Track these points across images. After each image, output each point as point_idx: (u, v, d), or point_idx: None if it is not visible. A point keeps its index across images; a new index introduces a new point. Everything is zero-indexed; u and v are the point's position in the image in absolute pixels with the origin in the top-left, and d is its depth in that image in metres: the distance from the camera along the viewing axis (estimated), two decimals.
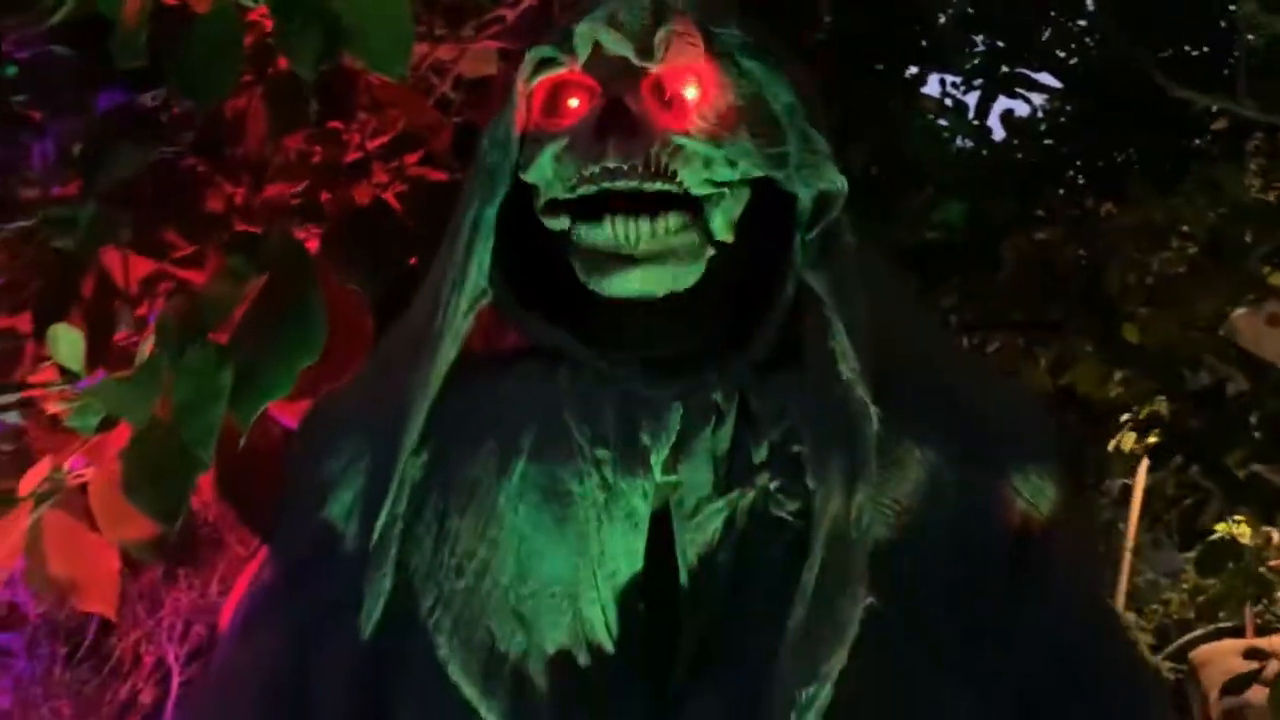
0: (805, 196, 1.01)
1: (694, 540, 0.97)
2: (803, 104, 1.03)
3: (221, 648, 1.21)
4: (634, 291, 0.99)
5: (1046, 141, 6.16)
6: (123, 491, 1.08)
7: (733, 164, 1.00)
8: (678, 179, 0.97)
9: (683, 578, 0.96)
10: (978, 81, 5.76)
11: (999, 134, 6.14)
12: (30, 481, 1.15)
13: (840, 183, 1.02)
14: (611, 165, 0.96)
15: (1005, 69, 5.58)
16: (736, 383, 1.00)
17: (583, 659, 0.94)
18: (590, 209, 0.99)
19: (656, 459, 0.97)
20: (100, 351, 1.26)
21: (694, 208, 0.99)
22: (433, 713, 0.96)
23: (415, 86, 1.71)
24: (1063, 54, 5.78)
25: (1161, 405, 5.57)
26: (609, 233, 0.97)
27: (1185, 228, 5.38)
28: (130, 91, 1.54)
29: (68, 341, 1.15)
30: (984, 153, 6.14)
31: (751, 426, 0.99)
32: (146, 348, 1.24)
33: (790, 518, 0.96)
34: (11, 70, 1.61)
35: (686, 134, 0.98)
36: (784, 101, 1.02)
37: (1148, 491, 6.32)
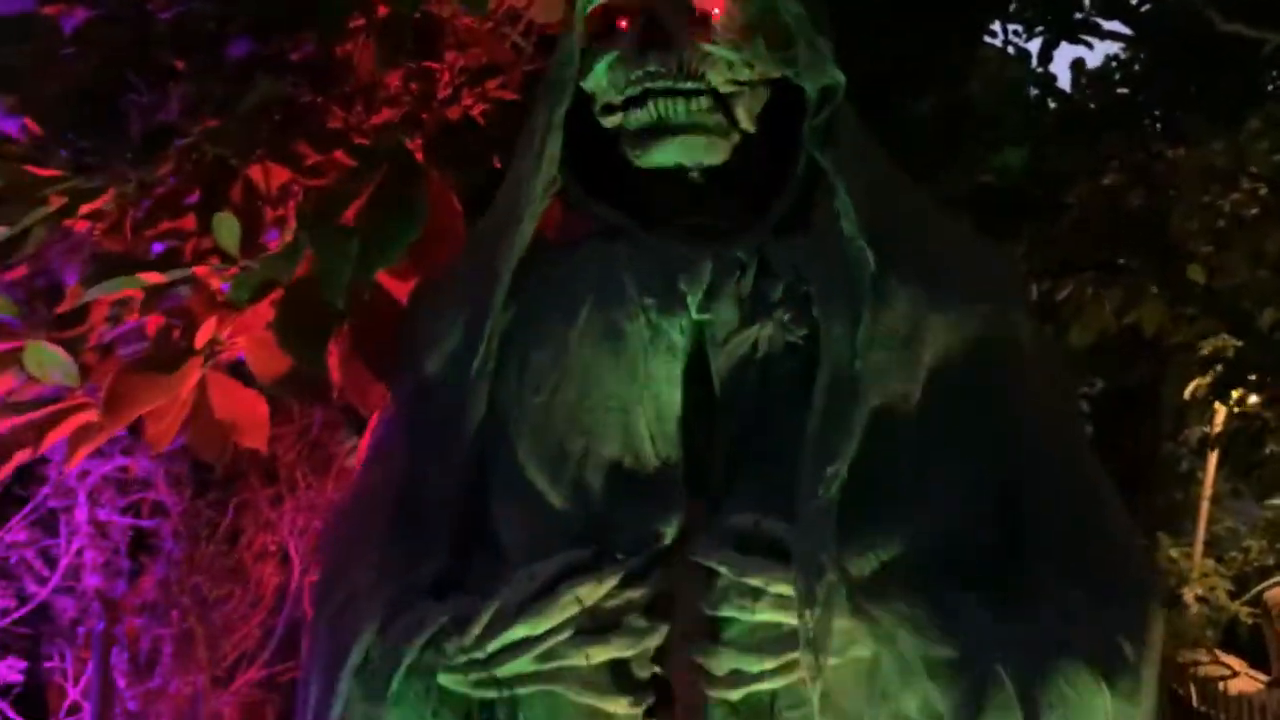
0: (811, 90, 1.28)
1: (725, 364, 1.24)
2: (809, 14, 1.30)
3: (356, 475, 1.52)
4: (672, 159, 1.27)
5: (1121, 90, 6.18)
6: (276, 340, 1.39)
7: (751, 66, 1.27)
8: (706, 79, 1.25)
9: (717, 391, 1.24)
10: (1039, 29, 5.83)
11: (1063, 81, 6.19)
12: (202, 338, 1.47)
13: (839, 78, 1.28)
14: (652, 69, 1.24)
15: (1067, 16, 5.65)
16: (757, 242, 1.28)
17: (629, 461, 1.22)
18: (638, 104, 1.27)
19: (692, 301, 1.25)
20: (248, 245, 1.57)
21: (722, 103, 1.26)
22: (515, 502, 1.25)
23: (491, 33, 2.00)
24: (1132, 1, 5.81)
25: (1225, 342, 5.64)
26: (652, 111, 1.24)
27: (1254, 169, 5.43)
28: (256, 41, 1.84)
29: (228, 228, 1.46)
30: (1049, 101, 6.21)
31: (769, 275, 1.27)
32: (287, 234, 1.55)
33: (801, 342, 1.23)
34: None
35: (712, 43, 1.25)
36: (793, 13, 1.29)
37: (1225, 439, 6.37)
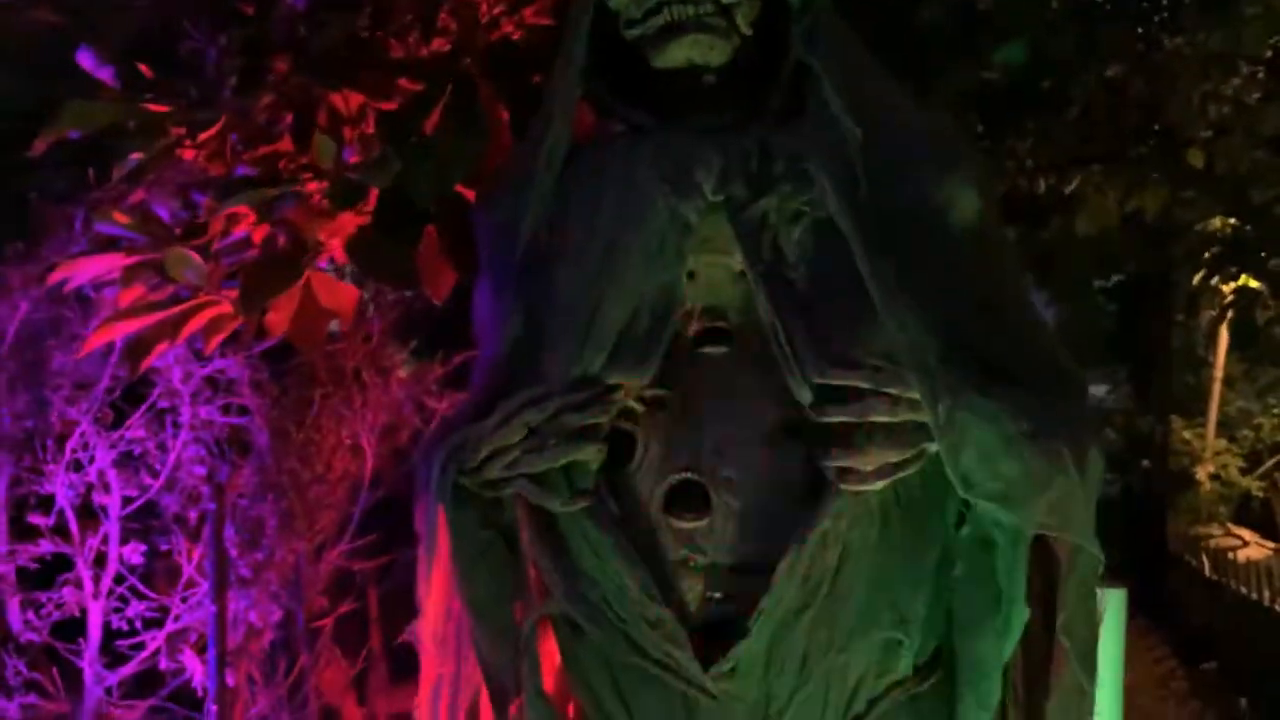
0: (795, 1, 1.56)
1: (746, 227, 1.52)
2: None
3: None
4: (684, 55, 1.54)
5: None
6: (374, 233, 1.72)
7: None
8: None
9: (740, 249, 1.52)
10: None
11: None
12: (309, 240, 1.80)
13: None
14: None
15: None
16: (759, 132, 1.57)
17: (629, 323, 1.48)
18: (654, 12, 1.54)
19: (707, 186, 1.53)
20: (338, 161, 1.89)
21: (724, 11, 1.55)
22: (543, 349, 1.54)
23: None
24: None
25: (1224, 224, 5.84)
26: (666, 15, 1.52)
27: (1250, 54, 5.57)
28: None
29: (325, 147, 1.78)
30: None
31: (769, 157, 1.55)
32: (368, 150, 1.87)
33: (805, 208, 1.52)
34: None
35: None
36: None
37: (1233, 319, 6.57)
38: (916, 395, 1.42)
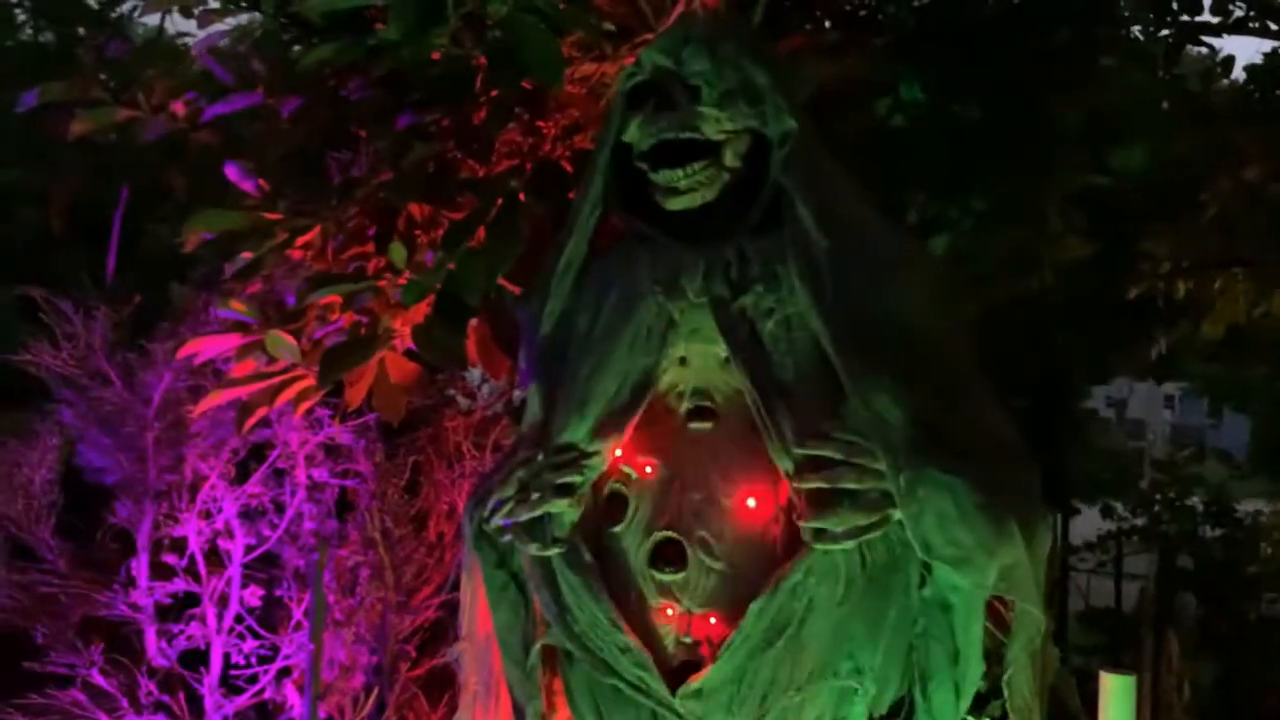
0: (774, 134, 1.85)
1: (726, 321, 1.79)
2: (774, 81, 1.87)
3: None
4: (681, 205, 1.86)
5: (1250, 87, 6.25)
6: (433, 322, 2.08)
7: (732, 120, 1.85)
8: (701, 131, 1.84)
9: (723, 340, 1.79)
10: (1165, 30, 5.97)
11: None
12: (383, 328, 2.17)
13: (793, 125, 1.84)
14: (662, 126, 1.84)
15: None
16: (739, 240, 1.85)
17: (614, 397, 1.79)
18: (656, 155, 1.85)
19: (690, 289, 1.82)
20: (411, 262, 2.27)
21: (713, 149, 1.85)
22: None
23: (591, 93, 2.64)
24: None
25: None
26: (662, 175, 1.83)
27: None
28: (416, 114, 2.53)
29: (397, 252, 2.16)
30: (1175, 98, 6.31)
31: (747, 262, 1.83)
32: (438, 254, 2.24)
33: (775, 305, 1.79)
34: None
35: (704, 106, 1.84)
36: (762, 82, 1.87)
37: None
38: (882, 467, 1.67)
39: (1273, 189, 5.85)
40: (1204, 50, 5.87)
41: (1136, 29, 5.89)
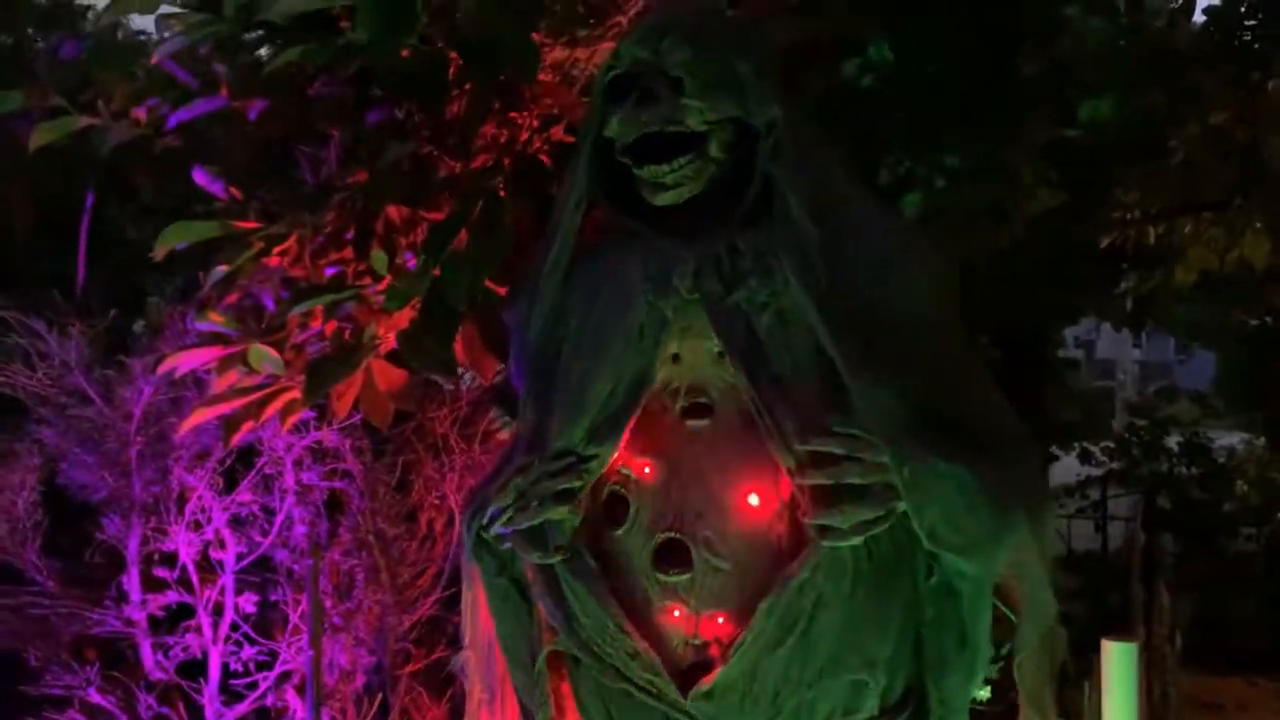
0: (759, 123, 1.81)
1: (719, 317, 1.76)
2: (756, 71, 1.83)
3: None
4: (668, 201, 1.81)
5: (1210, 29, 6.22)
6: (420, 330, 2.04)
7: (716, 110, 1.81)
8: (685, 123, 1.80)
9: (718, 337, 1.76)
10: None
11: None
12: (366, 336, 2.13)
13: (777, 114, 1.80)
14: (645, 119, 1.80)
15: None
16: (729, 233, 1.82)
17: (609, 398, 1.76)
18: (640, 149, 1.81)
19: (682, 286, 1.79)
20: (391, 267, 2.22)
21: (698, 140, 1.81)
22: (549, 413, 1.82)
23: (563, 80, 2.59)
24: None
25: None
26: (647, 171, 1.79)
27: None
28: (387, 109, 2.47)
29: (379, 258, 2.12)
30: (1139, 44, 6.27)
31: (739, 255, 1.80)
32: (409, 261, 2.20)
33: (769, 298, 1.76)
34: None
35: (687, 98, 1.80)
36: (745, 70, 1.82)
37: None
38: (885, 459, 1.65)
39: (1239, 132, 5.88)
40: None
41: None
